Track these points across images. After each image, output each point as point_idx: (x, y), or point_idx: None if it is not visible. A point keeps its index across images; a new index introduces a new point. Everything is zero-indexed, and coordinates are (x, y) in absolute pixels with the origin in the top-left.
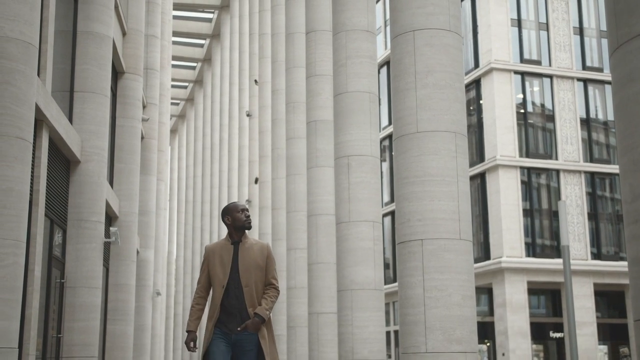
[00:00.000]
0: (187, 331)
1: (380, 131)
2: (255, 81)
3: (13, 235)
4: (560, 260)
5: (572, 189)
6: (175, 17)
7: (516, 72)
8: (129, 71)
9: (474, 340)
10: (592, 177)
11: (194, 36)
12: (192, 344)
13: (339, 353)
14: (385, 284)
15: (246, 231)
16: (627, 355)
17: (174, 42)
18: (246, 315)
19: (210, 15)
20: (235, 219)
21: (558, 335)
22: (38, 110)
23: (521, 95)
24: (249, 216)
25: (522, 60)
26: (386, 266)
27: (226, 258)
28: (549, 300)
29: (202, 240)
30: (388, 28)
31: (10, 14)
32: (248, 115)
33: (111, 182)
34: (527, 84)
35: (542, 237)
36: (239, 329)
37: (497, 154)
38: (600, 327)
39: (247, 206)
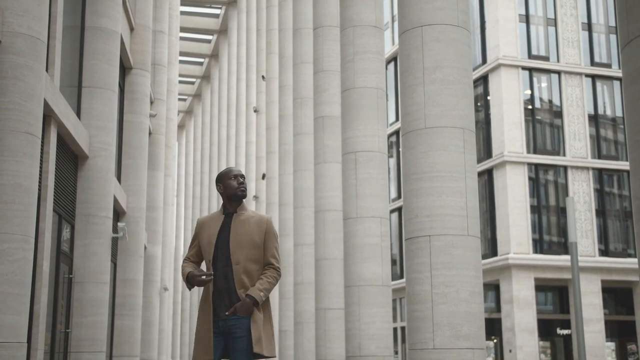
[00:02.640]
0: (189, 274)
1: (387, 127)
2: (263, 77)
3: (21, 230)
4: (567, 257)
5: (580, 185)
6: (182, 13)
7: (524, 68)
8: (137, 67)
9: (481, 336)
10: (600, 173)
11: (202, 32)
12: (202, 276)
13: (346, 349)
14: (392, 280)
15: (244, 202)
16: (635, 352)
17: (182, 38)
18: (236, 299)
19: (217, 11)
20: (227, 187)
21: (565, 332)
22: (46, 105)
23: (529, 91)
24: (242, 183)
25: (530, 56)
26: (393, 262)
27: (213, 231)
28: (556, 296)
29: None
30: (396, 23)
31: (18, 10)
32: (255, 111)
33: (119, 178)
34: (534, 80)
35: (550, 233)
36: (227, 313)
37: (505, 150)
38: (608, 324)
39: (242, 172)
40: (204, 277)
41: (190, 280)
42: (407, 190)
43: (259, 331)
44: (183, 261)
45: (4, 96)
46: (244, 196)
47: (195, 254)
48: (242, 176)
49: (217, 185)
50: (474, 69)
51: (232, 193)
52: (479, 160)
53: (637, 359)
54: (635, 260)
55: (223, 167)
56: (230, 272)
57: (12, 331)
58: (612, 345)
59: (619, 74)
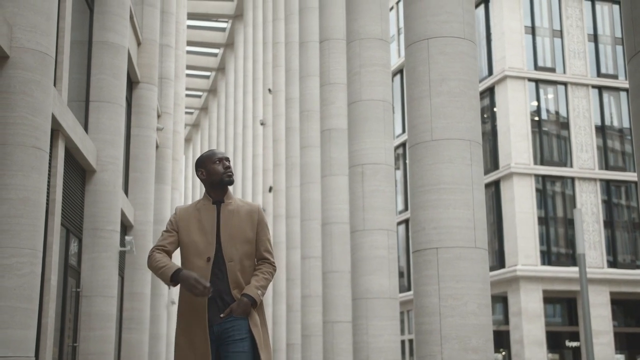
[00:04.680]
0: (174, 273)
1: (394, 139)
2: (269, 90)
3: (29, 245)
4: (575, 269)
5: (588, 196)
6: (189, 27)
7: (530, 80)
8: (144, 81)
9: (490, 349)
10: (607, 184)
11: (208, 45)
12: (199, 282)
13: None
14: (399, 292)
15: (229, 189)
16: None
17: (188, 52)
18: (229, 299)
19: (224, 25)
20: (211, 172)
21: (574, 344)
22: (54, 120)
23: (535, 103)
24: (228, 167)
25: (536, 67)
26: (400, 275)
27: (208, 223)
28: (564, 308)
29: None
30: (402, 36)
31: (27, 25)
32: (262, 123)
33: (126, 191)
34: (541, 91)
35: (558, 245)
36: (221, 315)
37: (512, 161)
38: (617, 336)
39: (227, 155)
40: (202, 287)
41: (184, 280)
42: (414, 202)
43: (260, 336)
44: (153, 250)
45: (12, 111)
46: (231, 182)
47: (171, 244)
48: (227, 159)
49: (197, 171)
50: (480, 81)
51: (217, 179)
52: (486, 172)
53: None
54: None
55: None
56: (223, 270)
57: (20, 345)
58: (621, 357)
59: (626, 85)
